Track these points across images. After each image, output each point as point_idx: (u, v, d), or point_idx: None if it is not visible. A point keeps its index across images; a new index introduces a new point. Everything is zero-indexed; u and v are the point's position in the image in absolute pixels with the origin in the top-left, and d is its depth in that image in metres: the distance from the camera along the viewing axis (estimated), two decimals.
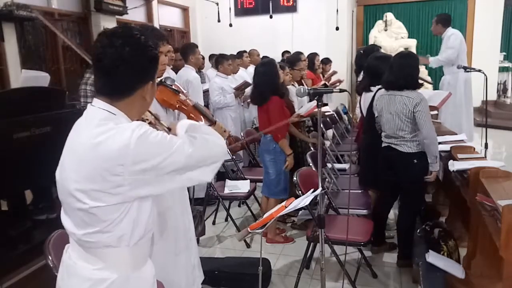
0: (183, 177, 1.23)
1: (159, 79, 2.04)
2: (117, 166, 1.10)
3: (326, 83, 5.73)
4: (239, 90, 5.00)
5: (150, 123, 1.72)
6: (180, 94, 2.07)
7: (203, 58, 7.27)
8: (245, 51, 6.45)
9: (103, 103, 1.19)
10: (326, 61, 6.97)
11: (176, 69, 4.75)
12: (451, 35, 5.04)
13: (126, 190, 1.13)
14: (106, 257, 1.20)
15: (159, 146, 1.15)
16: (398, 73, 2.81)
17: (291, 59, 4.20)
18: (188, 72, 4.45)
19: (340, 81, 6.42)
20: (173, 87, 2.07)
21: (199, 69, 7.07)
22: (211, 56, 7.19)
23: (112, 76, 1.17)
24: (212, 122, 2.20)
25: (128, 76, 1.17)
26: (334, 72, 6.66)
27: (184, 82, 4.20)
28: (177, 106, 2.02)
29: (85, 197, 1.13)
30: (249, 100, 4.99)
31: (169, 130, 1.60)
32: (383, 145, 2.98)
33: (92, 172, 1.11)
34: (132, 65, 1.16)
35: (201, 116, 2.17)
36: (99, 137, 1.12)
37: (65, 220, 1.24)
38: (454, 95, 5.03)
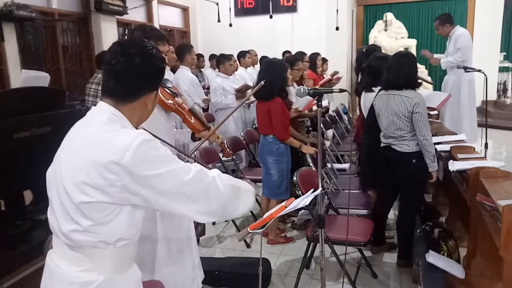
0: (172, 205, 1.22)
1: None
2: (114, 164, 1.12)
3: (330, 77, 5.75)
4: (240, 92, 5.00)
5: None
6: (177, 97, 2.08)
7: (203, 57, 7.30)
8: (248, 52, 6.43)
9: (109, 106, 1.24)
10: (323, 61, 6.95)
11: (173, 70, 4.75)
12: (460, 34, 4.88)
13: (116, 191, 1.15)
14: (93, 257, 1.20)
15: (158, 160, 1.17)
16: (397, 72, 2.80)
17: (291, 59, 4.20)
18: (183, 73, 4.44)
19: (339, 78, 6.41)
20: (172, 89, 2.07)
21: (199, 70, 7.08)
22: (211, 57, 7.19)
23: (121, 78, 1.23)
24: (206, 128, 2.21)
25: (136, 82, 1.24)
26: (336, 72, 6.66)
27: (175, 85, 4.20)
28: (174, 108, 2.03)
29: (75, 190, 1.15)
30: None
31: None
32: (382, 145, 2.98)
33: (89, 165, 1.14)
34: (141, 72, 1.24)
35: (196, 120, 2.18)
36: (107, 133, 1.17)
37: (52, 218, 1.25)
38: (458, 95, 4.97)
